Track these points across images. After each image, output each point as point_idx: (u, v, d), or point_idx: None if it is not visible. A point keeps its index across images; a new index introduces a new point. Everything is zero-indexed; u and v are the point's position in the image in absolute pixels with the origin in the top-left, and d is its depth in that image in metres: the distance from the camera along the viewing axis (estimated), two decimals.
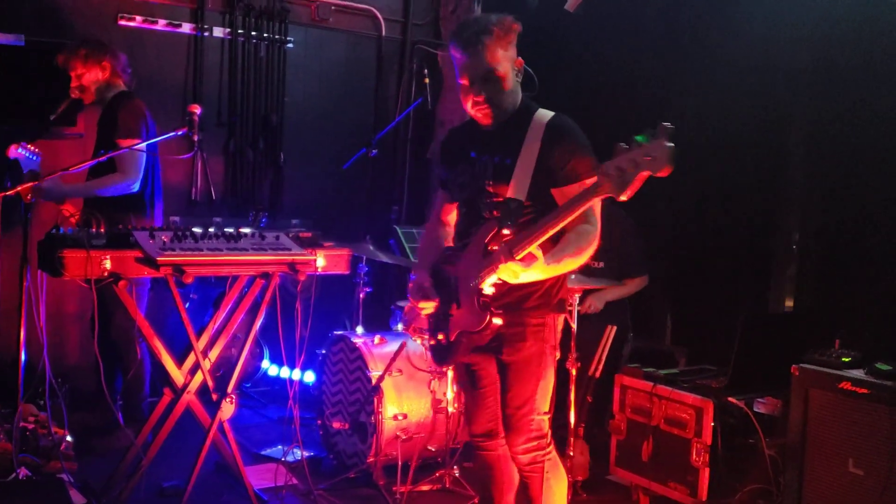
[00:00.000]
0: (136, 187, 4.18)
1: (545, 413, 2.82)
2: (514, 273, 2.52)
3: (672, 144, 2.14)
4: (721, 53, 4.44)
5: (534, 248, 2.49)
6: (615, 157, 2.24)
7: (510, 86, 2.76)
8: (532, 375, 2.78)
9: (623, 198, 2.25)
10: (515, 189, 2.71)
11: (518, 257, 2.48)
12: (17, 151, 3.96)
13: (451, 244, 3.04)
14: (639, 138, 2.19)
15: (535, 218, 2.57)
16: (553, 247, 2.62)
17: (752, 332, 3.65)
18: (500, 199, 2.74)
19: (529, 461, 2.83)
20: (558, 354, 2.87)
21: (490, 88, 2.72)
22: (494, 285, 2.64)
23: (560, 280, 2.82)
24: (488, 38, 2.67)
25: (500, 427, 2.92)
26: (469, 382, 3.01)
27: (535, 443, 2.81)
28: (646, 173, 2.19)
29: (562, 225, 2.46)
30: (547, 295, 2.80)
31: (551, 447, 2.87)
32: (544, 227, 2.45)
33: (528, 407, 2.78)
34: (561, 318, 2.88)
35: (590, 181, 2.52)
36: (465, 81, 2.74)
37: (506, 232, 2.63)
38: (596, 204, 2.58)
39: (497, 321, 2.64)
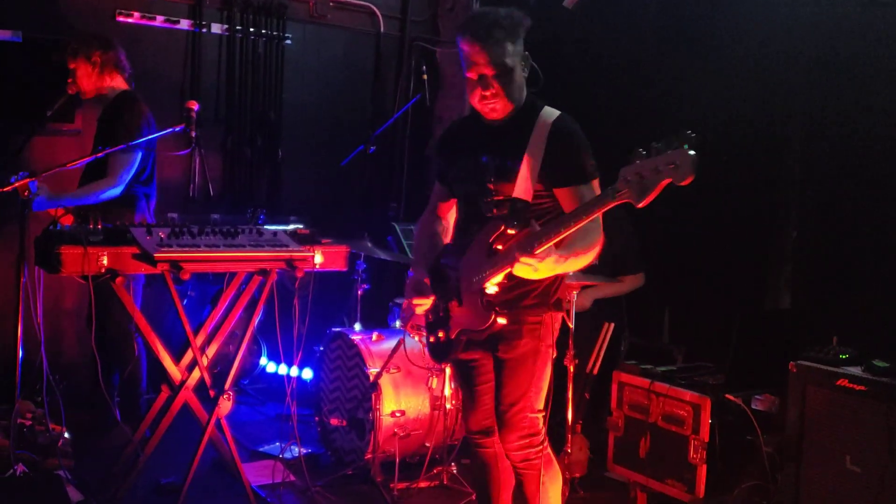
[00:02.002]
0: (117, 192, 4.16)
1: (539, 411, 2.81)
2: (531, 269, 2.48)
3: (695, 153, 2.10)
4: (718, 51, 4.43)
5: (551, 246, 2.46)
6: (634, 162, 2.19)
7: (518, 80, 2.74)
8: (527, 373, 2.78)
9: (640, 205, 2.19)
10: (519, 188, 2.68)
11: (538, 252, 2.42)
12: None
13: (447, 240, 3.03)
14: (658, 145, 2.15)
15: (538, 218, 2.55)
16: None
17: (750, 330, 3.65)
18: (503, 198, 2.71)
19: (522, 458, 2.83)
20: (555, 353, 2.85)
21: (499, 83, 2.68)
22: (498, 284, 2.62)
23: (558, 279, 2.81)
24: (499, 31, 2.64)
25: (495, 424, 2.92)
26: (466, 379, 3.00)
27: (527, 440, 2.81)
28: (667, 181, 2.14)
29: (580, 226, 2.41)
30: (545, 294, 2.78)
31: (545, 444, 2.86)
32: (565, 226, 2.40)
33: (521, 404, 2.78)
34: (558, 317, 2.87)
35: (596, 182, 2.55)
36: (472, 75, 2.70)
37: (511, 232, 2.59)
38: None
39: (501, 321, 2.64)
